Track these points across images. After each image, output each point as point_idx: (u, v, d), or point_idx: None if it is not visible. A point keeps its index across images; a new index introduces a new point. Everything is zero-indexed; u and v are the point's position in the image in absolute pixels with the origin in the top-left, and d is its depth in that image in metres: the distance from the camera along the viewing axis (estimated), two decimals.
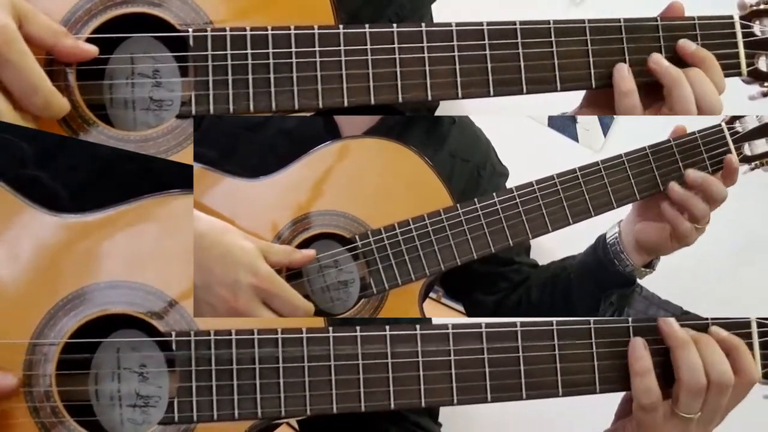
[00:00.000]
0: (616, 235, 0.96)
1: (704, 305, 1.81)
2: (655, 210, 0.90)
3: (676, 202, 0.87)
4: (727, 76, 0.81)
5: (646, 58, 0.79)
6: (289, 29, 0.72)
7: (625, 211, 0.95)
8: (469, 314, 1.15)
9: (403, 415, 0.98)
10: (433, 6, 1.04)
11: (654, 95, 0.80)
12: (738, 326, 0.77)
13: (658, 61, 0.79)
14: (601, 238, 0.98)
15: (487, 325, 0.73)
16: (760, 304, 0.92)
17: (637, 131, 1.11)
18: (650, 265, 0.96)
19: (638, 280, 0.98)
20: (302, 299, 0.79)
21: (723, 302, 1.89)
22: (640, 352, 0.74)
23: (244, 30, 0.71)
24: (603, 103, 0.83)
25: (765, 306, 0.83)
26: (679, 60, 0.80)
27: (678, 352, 0.73)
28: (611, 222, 0.98)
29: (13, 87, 0.64)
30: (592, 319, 0.75)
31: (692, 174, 0.87)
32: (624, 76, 0.78)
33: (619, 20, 0.79)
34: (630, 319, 0.76)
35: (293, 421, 0.85)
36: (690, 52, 0.79)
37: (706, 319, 0.77)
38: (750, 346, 0.76)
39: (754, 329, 0.77)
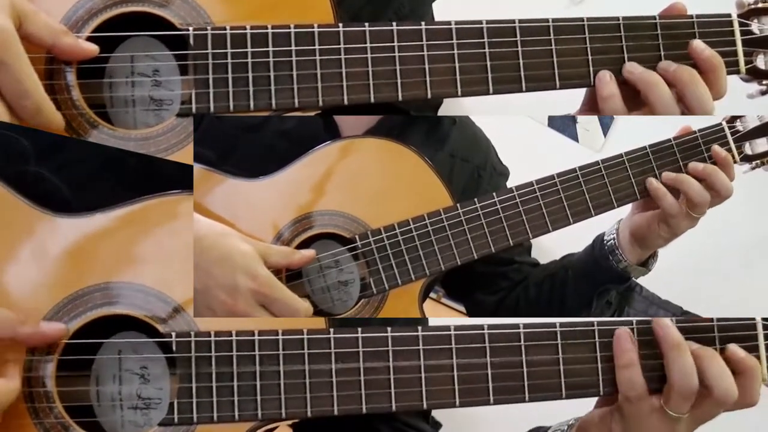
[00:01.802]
0: (614, 231, 0.96)
1: (705, 305, 1.81)
2: (651, 204, 0.90)
3: (671, 184, 0.87)
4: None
5: (644, 56, 0.79)
6: (289, 28, 0.72)
7: (625, 212, 0.95)
8: (470, 314, 1.15)
9: (393, 414, 0.97)
10: (433, 5, 1.04)
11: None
12: (743, 327, 0.77)
13: (632, 69, 0.78)
14: (600, 235, 0.98)
15: (490, 327, 0.73)
16: (760, 305, 0.92)
17: (638, 131, 1.11)
18: (646, 264, 0.96)
19: (633, 279, 0.98)
20: (301, 302, 0.78)
21: (723, 302, 1.89)
22: (625, 344, 0.73)
23: (244, 29, 0.71)
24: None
25: (766, 306, 0.82)
26: (682, 57, 0.80)
27: (670, 354, 0.72)
28: (612, 221, 0.98)
29: (5, 90, 0.63)
30: (595, 320, 0.75)
31: (694, 164, 0.88)
32: (606, 81, 0.78)
33: (617, 19, 0.79)
34: (634, 320, 0.75)
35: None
36: (704, 57, 0.79)
37: (711, 319, 0.76)
38: (756, 348, 0.76)
39: (760, 330, 0.77)
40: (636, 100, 0.80)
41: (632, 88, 0.79)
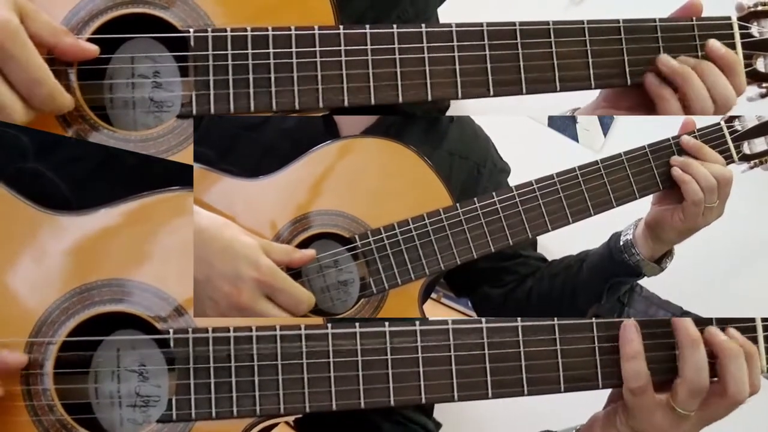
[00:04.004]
0: (632, 227, 0.97)
1: (704, 305, 1.81)
2: (671, 198, 0.90)
3: (679, 166, 0.88)
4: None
5: (645, 58, 0.79)
6: (290, 30, 0.72)
7: (623, 211, 0.95)
8: (476, 309, 1.15)
9: (394, 409, 0.98)
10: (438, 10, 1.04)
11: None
12: (742, 327, 0.76)
13: (667, 62, 0.79)
14: (618, 231, 0.99)
15: (488, 321, 0.73)
16: (759, 304, 0.92)
17: (637, 130, 1.11)
18: (660, 262, 0.96)
19: (646, 275, 0.98)
20: (305, 291, 0.79)
21: (723, 302, 1.89)
22: (631, 335, 0.73)
23: (245, 30, 0.71)
24: (623, 103, 0.84)
25: (765, 306, 0.83)
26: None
27: (687, 350, 0.72)
28: (613, 221, 0.98)
29: (17, 81, 0.64)
30: (594, 320, 0.75)
31: (686, 138, 0.89)
32: None
33: (618, 21, 0.79)
34: (633, 319, 0.75)
35: (293, 421, 0.85)
36: (719, 54, 0.80)
37: (710, 319, 0.76)
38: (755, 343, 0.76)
39: (759, 331, 0.77)
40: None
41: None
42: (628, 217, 0.98)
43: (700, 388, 0.71)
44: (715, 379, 0.73)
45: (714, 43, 0.80)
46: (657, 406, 0.73)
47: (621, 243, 0.97)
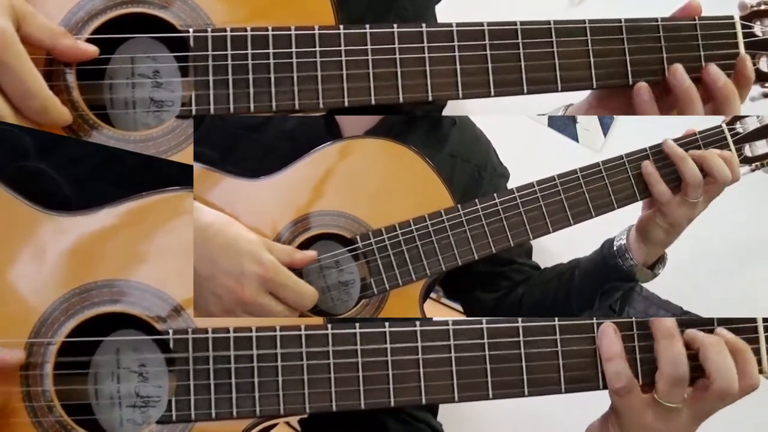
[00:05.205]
0: (625, 233, 0.97)
1: (704, 305, 1.81)
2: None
3: (669, 155, 0.88)
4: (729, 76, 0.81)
5: (647, 58, 0.79)
6: (290, 29, 0.72)
7: (624, 213, 0.95)
8: (467, 312, 1.16)
9: (401, 408, 0.98)
10: (435, 8, 1.03)
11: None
12: (744, 327, 0.76)
13: (681, 79, 0.79)
14: (611, 238, 0.99)
15: (488, 322, 0.73)
16: (760, 305, 0.92)
17: (638, 132, 1.11)
18: (653, 268, 0.96)
19: (639, 280, 0.98)
20: (308, 287, 0.79)
21: (723, 302, 1.89)
22: (609, 338, 0.74)
23: (245, 30, 0.71)
24: (612, 103, 0.84)
25: (765, 306, 0.82)
26: (684, 60, 0.80)
27: (661, 342, 0.73)
28: (612, 223, 0.98)
29: (10, 91, 0.63)
30: (595, 320, 0.75)
31: (692, 150, 0.88)
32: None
33: (619, 20, 0.79)
34: (633, 318, 0.76)
35: (293, 421, 0.85)
36: (719, 87, 0.79)
37: (711, 319, 0.76)
38: (756, 346, 0.76)
39: (761, 331, 0.77)
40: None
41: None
42: (628, 222, 0.98)
43: (679, 378, 0.71)
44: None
45: (714, 72, 0.79)
46: (645, 406, 0.73)
47: (614, 248, 0.97)
